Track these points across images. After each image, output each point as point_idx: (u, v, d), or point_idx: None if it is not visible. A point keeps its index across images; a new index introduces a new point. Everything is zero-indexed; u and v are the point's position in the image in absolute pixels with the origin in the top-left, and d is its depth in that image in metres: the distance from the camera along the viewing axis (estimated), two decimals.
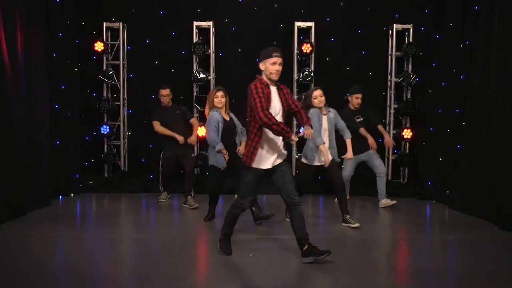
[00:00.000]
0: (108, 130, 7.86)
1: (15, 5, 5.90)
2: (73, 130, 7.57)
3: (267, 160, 4.27)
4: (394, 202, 6.71)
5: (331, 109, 5.78)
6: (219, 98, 5.72)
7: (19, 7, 5.98)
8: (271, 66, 4.16)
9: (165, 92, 6.87)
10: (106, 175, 8.08)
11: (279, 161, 4.32)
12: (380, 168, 6.68)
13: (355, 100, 6.70)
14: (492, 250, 4.85)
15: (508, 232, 5.43)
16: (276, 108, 4.22)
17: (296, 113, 4.41)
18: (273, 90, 4.26)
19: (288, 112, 4.36)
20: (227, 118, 5.79)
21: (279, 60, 4.17)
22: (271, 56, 4.15)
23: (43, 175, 6.51)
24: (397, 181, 8.03)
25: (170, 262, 4.34)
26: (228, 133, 5.75)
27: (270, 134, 4.20)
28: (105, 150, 8.09)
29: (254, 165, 4.24)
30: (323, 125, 5.61)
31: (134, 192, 7.58)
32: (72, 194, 7.32)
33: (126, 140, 8.18)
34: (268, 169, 4.28)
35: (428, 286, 3.90)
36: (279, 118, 4.22)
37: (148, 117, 7.56)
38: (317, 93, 5.61)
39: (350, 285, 3.88)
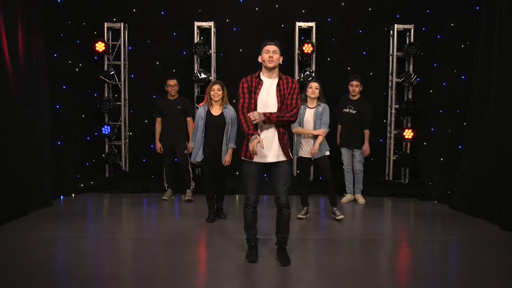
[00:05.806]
0: (109, 130, 7.86)
1: (16, 5, 5.91)
2: (74, 130, 7.57)
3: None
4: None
5: (323, 104, 5.81)
6: (216, 91, 5.66)
7: (20, 7, 5.99)
8: (264, 55, 4.20)
9: (172, 82, 6.95)
10: (107, 175, 8.08)
11: (272, 159, 4.16)
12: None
13: (350, 87, 6.91)
14: (493, 251, 4.85)
15: (509, 232, 5.42)
16: (263, 100, 4.14)
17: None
18: (267, 81, 4.20)
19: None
20: (217, 113, 5.69)
21: (272, 48, 4.18)
22: (265, 45, 4.21)
23: (44, 175, 6.52)
24: (398, 181, 8.01)
25: (171, 262, 4.35)
26: (212, 128, 5.64)
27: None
28: (106, 150, 8.09)
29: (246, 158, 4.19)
30: (305, 117, 5.78)
31: (135, 193, 7.57)
32: (73, 194, 7.32)
33: (127, 140, 8.19)
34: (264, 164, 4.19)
35: (429, 287, 3.90)
36: (272, 110, 4.11)
37: (150, 118, 7.58)
38: (312, 84, 5.84)
39: (350, 285, 3.89)
